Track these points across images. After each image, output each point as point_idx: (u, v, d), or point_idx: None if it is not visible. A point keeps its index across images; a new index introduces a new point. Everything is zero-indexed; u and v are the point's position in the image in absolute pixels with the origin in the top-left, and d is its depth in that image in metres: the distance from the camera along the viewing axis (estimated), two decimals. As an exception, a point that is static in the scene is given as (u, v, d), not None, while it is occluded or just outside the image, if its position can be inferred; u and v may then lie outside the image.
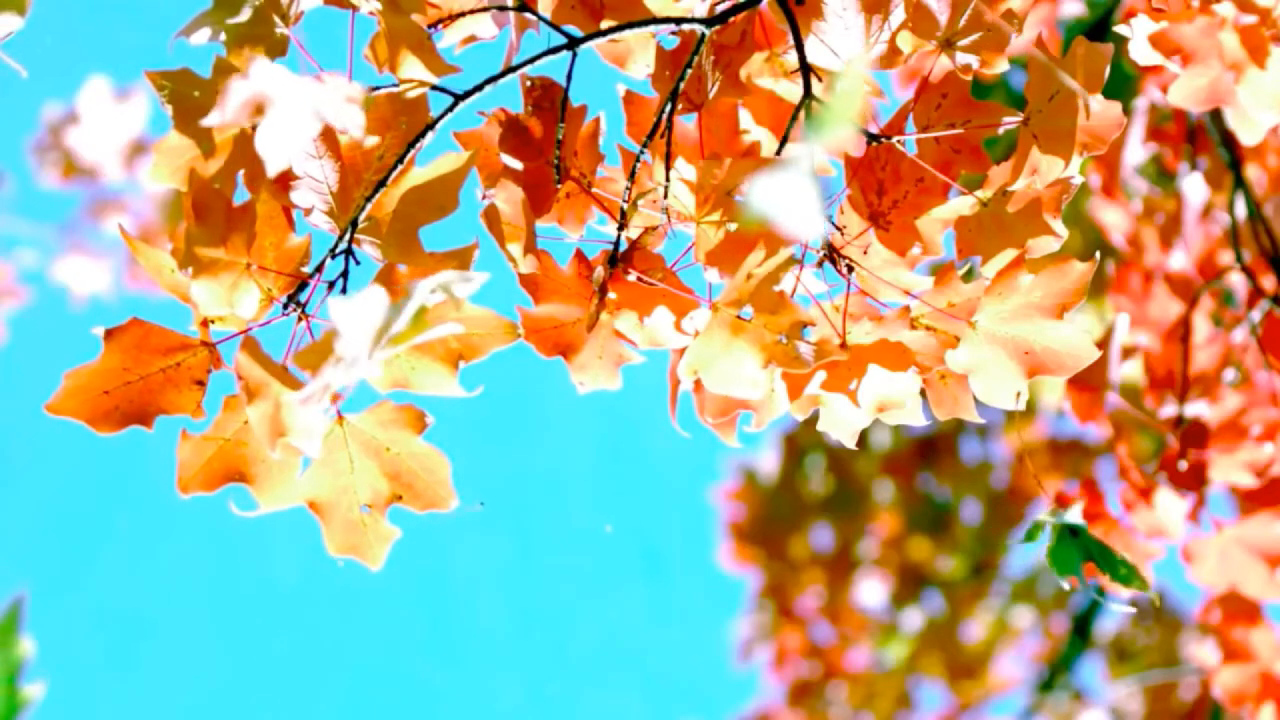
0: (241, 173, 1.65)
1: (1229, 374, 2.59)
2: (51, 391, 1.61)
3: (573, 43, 1.71)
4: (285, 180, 1.64)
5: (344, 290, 1.63)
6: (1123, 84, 3.01)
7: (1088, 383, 2.51)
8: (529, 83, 1.73)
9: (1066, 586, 1.83)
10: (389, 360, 1.63)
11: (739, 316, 1.58)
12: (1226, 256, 2.81)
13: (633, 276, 1.68)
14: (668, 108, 1.71)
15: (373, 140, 1.64)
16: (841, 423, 1.68)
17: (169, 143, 1.66)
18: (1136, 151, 2.95)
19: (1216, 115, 2.70)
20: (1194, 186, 2.86)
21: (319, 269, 1.63)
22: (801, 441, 5.68)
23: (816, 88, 1.72)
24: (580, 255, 1.70)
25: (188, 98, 1.65)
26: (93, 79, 4.96)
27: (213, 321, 1.61)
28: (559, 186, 1.72)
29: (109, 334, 1.61)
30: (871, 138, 1.71)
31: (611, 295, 1.68)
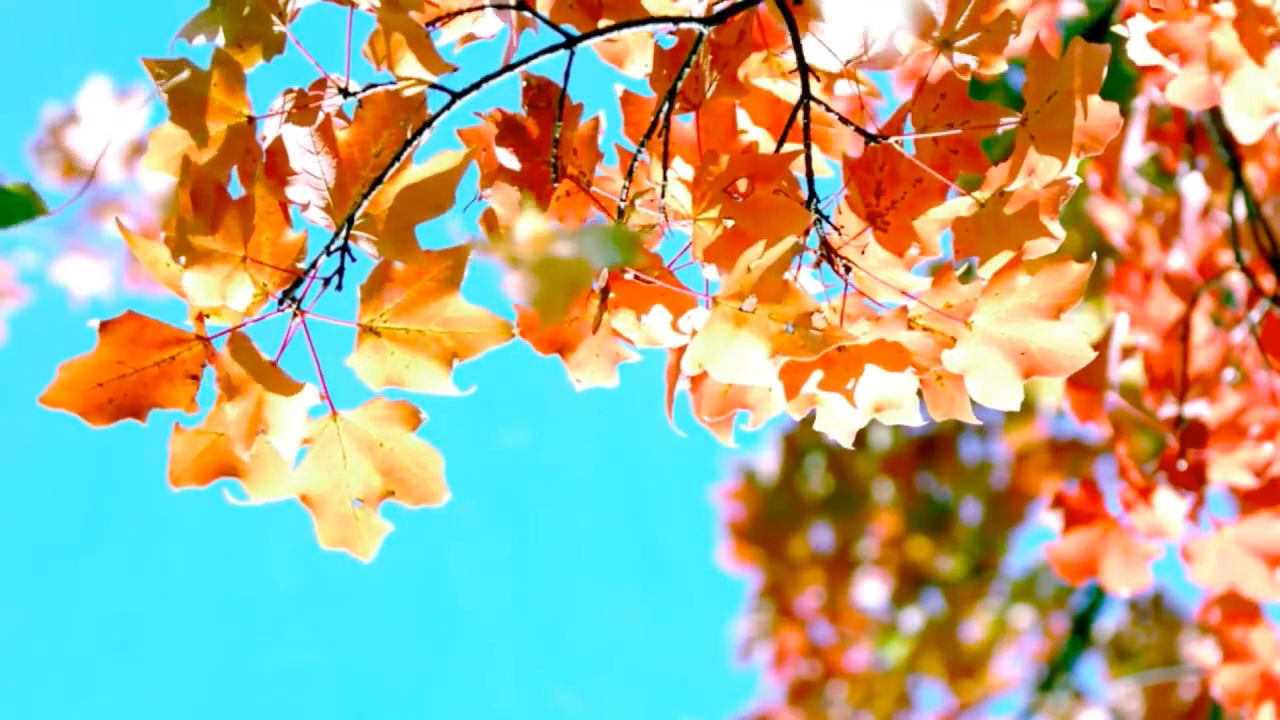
0: (235, 165, 1.65)
1: (1228, 374, 2.58)
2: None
3: (570, 41, 1.71)
4: (282, 175, 1.64)
5: (339, 287, 1.63)
6: (1122, 84, 3.01)
7: (1087, 382, 2.51)
8: (526, 82, 1.73)
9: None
10: (381, 356, 1.63)
11: (741, 309, 1.57)
12: (1226, 256, 2.80)
13: (630, 275, 1.67)
14: (665, 107, 1.71)
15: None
16: (839, 422, 1.68)
17: (164, 131, 1.66)
18: (1136, 151, 2.94)
19: (1216, 115, 2.70)
20: (1193, 186, 2.86)
21: (315, 265, 1.63)
22: (801, 441, 5.68)
23: (814, 88, 1.72)
24: (578, 254, 1.69)
25: (185, 88, 1.65)
26: (93, 79, 4.96)
27: (208, 316, 1.61)
28: (556, 185, 1.72)
29: (104, 326, 1.60)
30: (870, 138, 1.71)
31: (609, 294, 1.68)
